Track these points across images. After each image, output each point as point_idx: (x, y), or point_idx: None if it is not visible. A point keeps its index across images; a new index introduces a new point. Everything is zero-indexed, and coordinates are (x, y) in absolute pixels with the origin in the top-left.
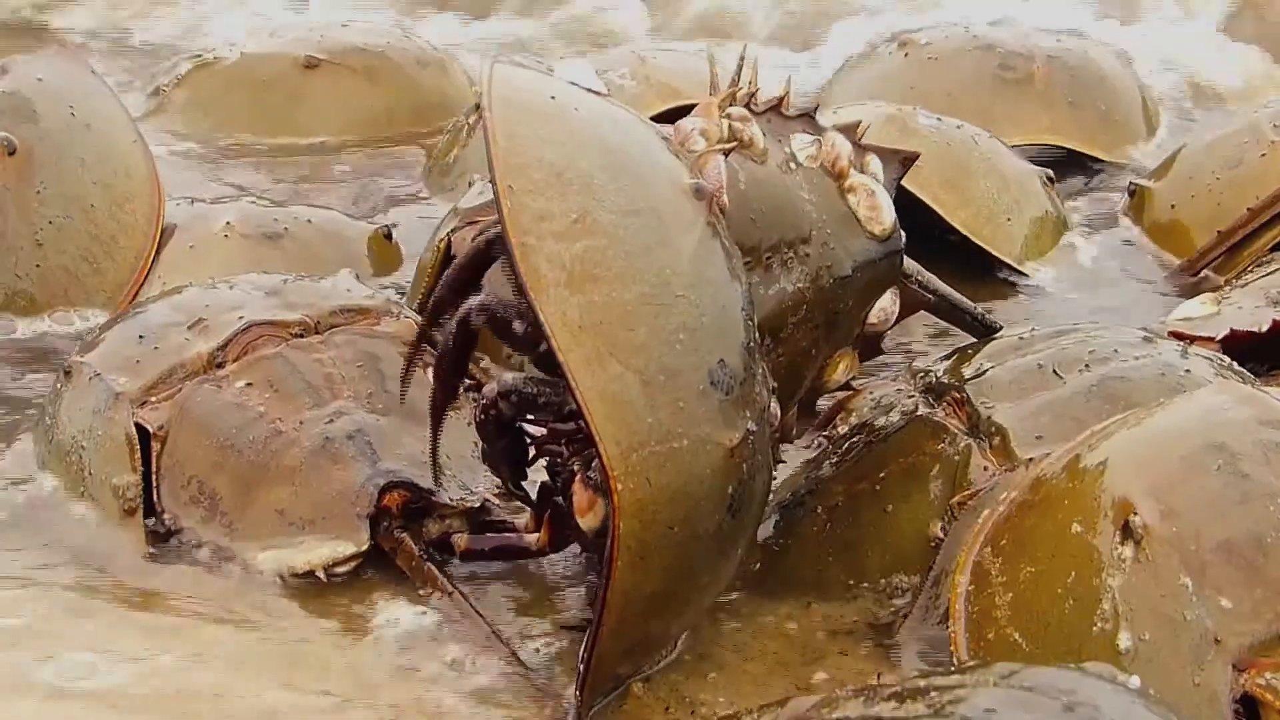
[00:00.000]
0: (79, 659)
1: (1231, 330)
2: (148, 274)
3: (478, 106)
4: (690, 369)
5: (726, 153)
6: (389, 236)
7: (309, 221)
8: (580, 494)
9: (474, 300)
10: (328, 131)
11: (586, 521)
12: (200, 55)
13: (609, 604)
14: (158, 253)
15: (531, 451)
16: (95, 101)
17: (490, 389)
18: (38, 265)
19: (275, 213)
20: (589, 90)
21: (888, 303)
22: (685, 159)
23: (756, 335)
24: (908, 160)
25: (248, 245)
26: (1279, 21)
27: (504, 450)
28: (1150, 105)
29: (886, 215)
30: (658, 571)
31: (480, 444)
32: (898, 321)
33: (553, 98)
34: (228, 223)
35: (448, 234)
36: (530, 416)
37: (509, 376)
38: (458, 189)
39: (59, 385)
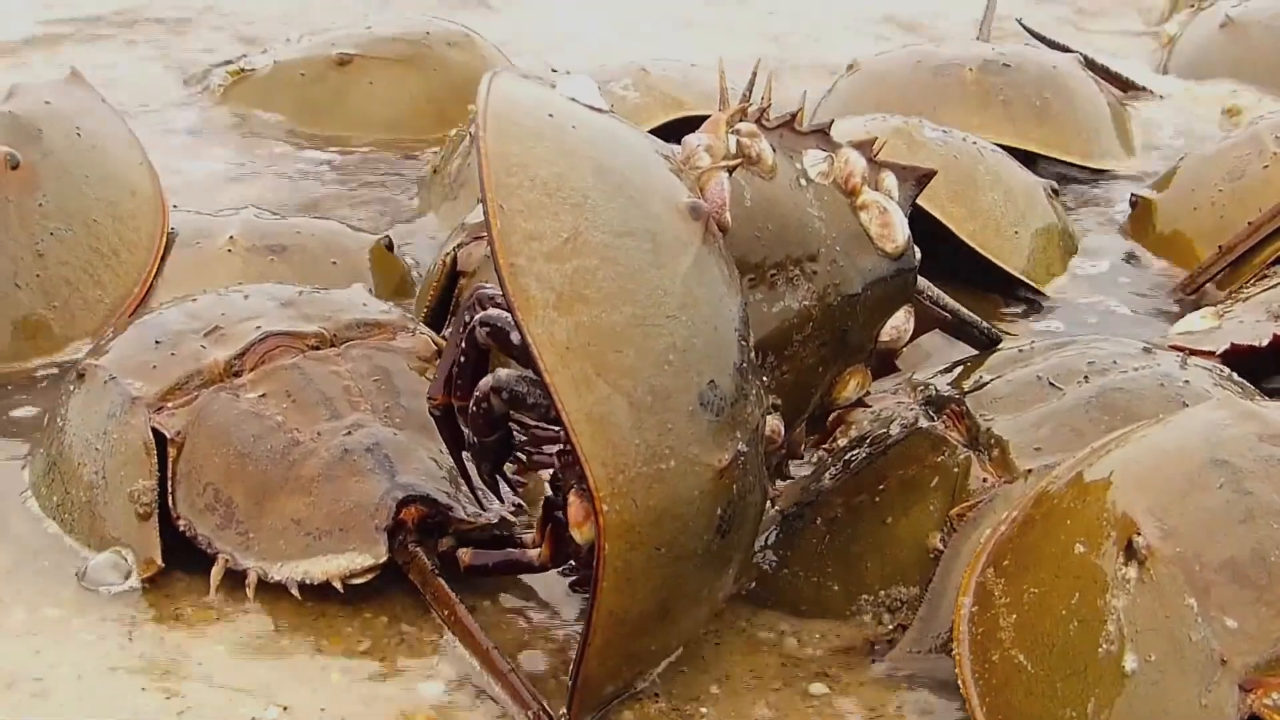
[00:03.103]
0: (84, 661)
1: (1232, 344)
2: (150, 287)
3: None
4: (679, 390)
5: (731, 169)
6: (390, 247)
7: (312, 234)
8: (575, 506)
9: (478, 315)
10: (373, 125)
11: (582, 533)
12: (234, 65)
13: (595, 625)
14: (161, 264)
15: (522, 456)
16: (102, 125)
17: (485, 383)
18: (38, 275)
19: (278, 225)
20: (589, 106)
21: (901, 320)
22: (687, 176)
23: (752, 355)
24: (924, 178)
25: (252, 258)
26: None
27: (492, 445)
28: (1101, 102)
29: (899, 233)
30: (645, 592)
31: (469, 435)
32: (912, 339)
33: (550, 115)
34: (231, 236)
35: (453, 248)
36: (520, 415)
37: (503, 373)
38: (459, 199)
39: (71, 388)
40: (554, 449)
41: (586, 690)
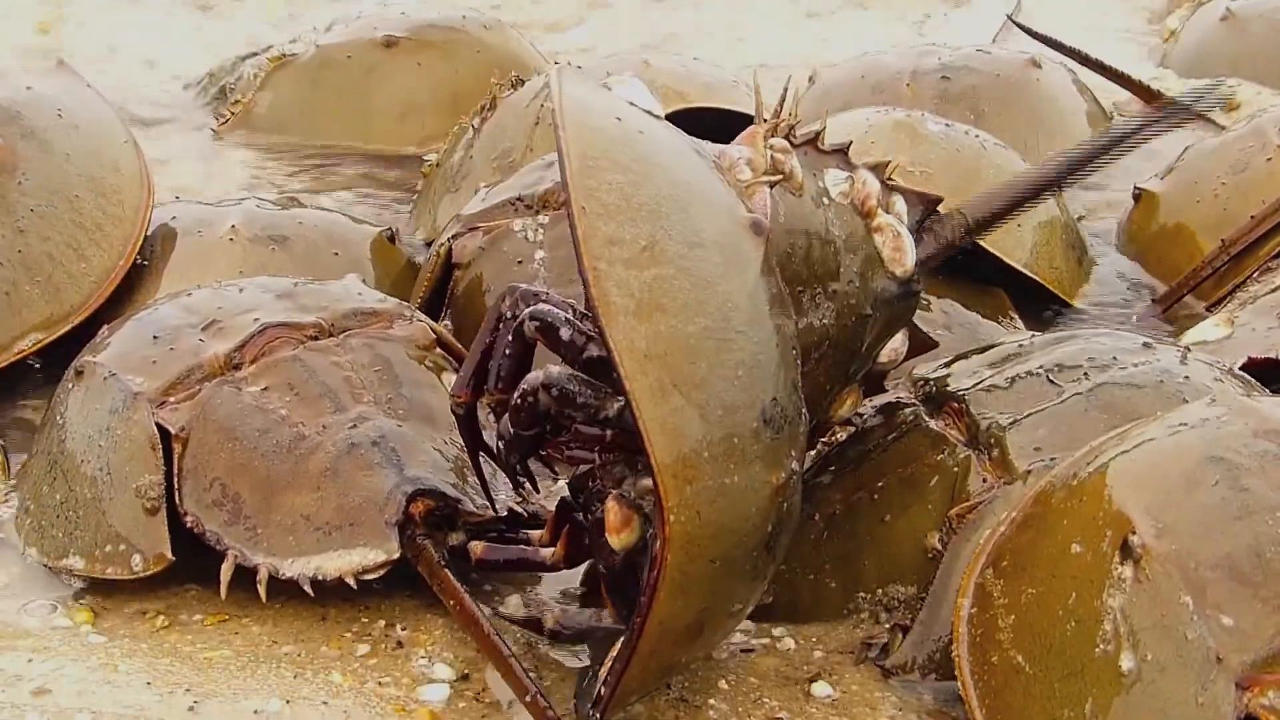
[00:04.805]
0: (89, 659)
1: (1249, 358)
2: (133, 261)
3: (483, 108)
4: (746, 406)
5: (772, 185)
6: (392, 239)
7: (314, 224)
8: (615, 511)
9: (528, 309)
10: (420, 105)
11: (620, 540)
12: (269, 53)
13: (645, 633)
14: (149, 242)
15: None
16: (86, 107)
17: (534, 378)
18: (20, 251)
19: (280, 215)
20: (646, 111)
21: (899, 343)
22: (734, 188)
23: (800, 374)
24: (932, 203)
25: (253, 248)
26: None
27: (527, 440)
28: (1057, 108)
29: (909, 257)
30: (695, 604)
31: (503, 424)
32: (905, 361)
33: (619, 119)
34: (233, 225)
35: (448, 240)
36: (567, 413)
37: (555, 370)
38: (460, 191)
39: (69, 385)
40: (596, 449)
41: (622, 696)
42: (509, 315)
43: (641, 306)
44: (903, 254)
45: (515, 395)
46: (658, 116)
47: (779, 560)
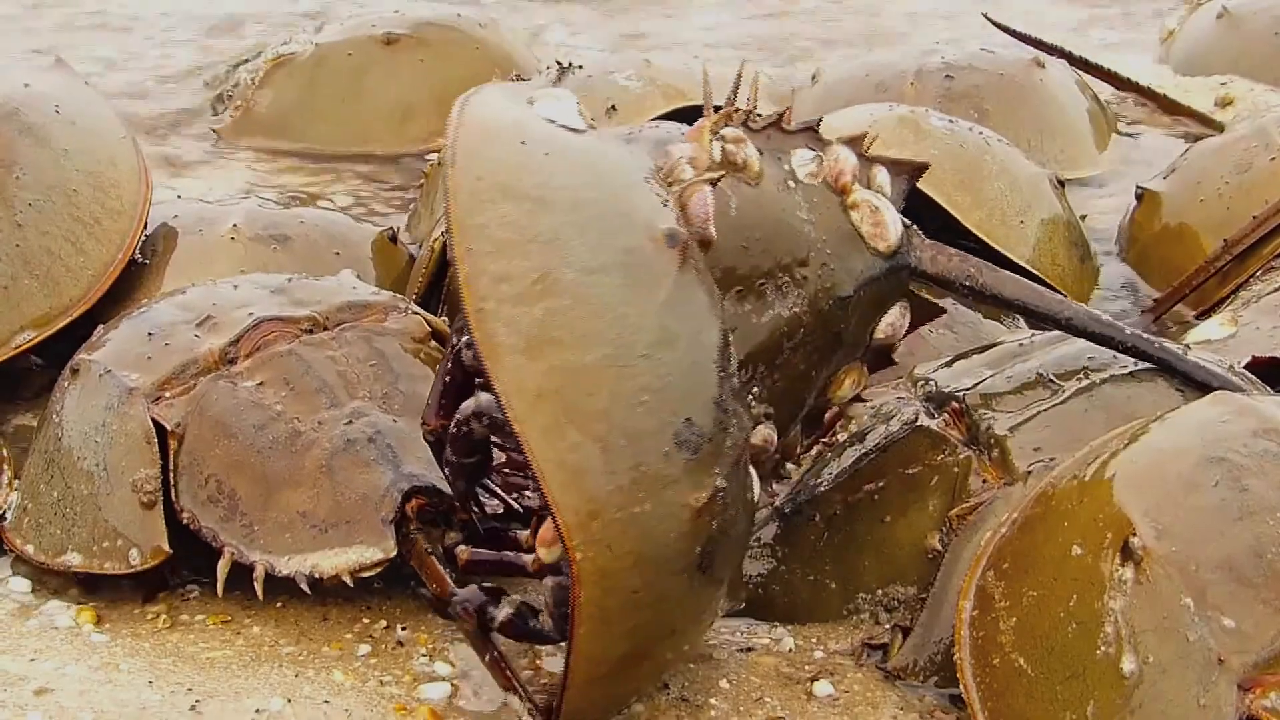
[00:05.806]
0: (91, 659)
1: (1254, 357)
2: (132, 256)
3: None
4: (653, 432)
5: (714, 182)
6: (394, 239)
7: (315, 224)
8: (548, 526)
9: (464, 338)
10: (420, 109)
11: (547, 553)
12: (271, 53)
13: (573, 668)
14: (149, 237)
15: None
16: (83, 103)
17: (467, 407)
18: (18, 245)
19: (281, 215)
20: (566, 127)
21: (896, 316)
22: (669, 194)
23: (734, 382)
24: (917, 171)
25: (254, 247)
26: None
27: (469, 467)
28: (1059, 106)
29: (891, 231)
30: (622, 636)
31: (446, 452)
32: (909, 332)
33: (523, 143)
34: (234, 225)
35: (441, 235)
36: (499, 441)
37: (485, 398)
38: None
39: (65, 384)
40: (529, 475)
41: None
42: (454, 342)
43: (532, 343)
44: (883, 228)
45: (451, 423)
46: (581, 131)
47: (724, 578)
